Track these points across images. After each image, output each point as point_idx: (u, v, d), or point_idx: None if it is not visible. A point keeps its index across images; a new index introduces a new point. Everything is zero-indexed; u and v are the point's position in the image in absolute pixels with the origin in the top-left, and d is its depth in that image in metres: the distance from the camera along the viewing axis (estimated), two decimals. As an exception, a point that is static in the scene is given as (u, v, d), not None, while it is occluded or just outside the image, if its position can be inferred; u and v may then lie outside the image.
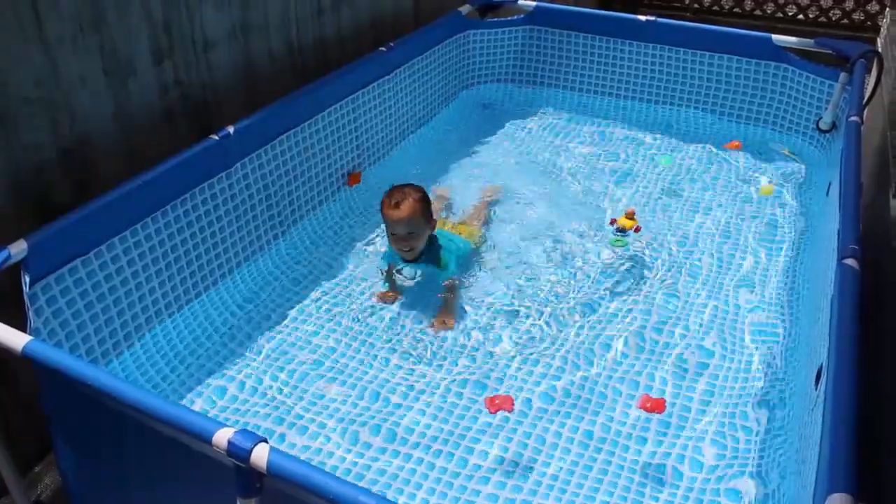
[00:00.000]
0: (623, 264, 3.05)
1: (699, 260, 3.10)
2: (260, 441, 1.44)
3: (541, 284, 2.94)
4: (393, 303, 2.82)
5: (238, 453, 1.43)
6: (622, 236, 3.25)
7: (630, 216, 3.33)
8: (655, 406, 2.38)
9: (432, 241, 2.88)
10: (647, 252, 3.14)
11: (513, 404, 2.39)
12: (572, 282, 2.95)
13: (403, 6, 4.08)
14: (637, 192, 3.61)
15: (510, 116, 4.37)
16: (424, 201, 2.78)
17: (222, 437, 1.46)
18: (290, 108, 3.01)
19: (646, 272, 3.01)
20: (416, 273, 2.94)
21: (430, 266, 2.89)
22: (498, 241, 3.19)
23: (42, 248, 2.06)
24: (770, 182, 3.69)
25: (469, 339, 2.66)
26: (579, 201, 3.54)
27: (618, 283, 2.95)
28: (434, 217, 2.86)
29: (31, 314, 2.06)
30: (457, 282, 2.88)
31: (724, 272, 3.03)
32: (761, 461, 2.18)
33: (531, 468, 2.18)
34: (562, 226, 3.31)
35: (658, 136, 4.15)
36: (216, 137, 2.64)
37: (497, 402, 2.39)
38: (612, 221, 3.34)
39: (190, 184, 2.58)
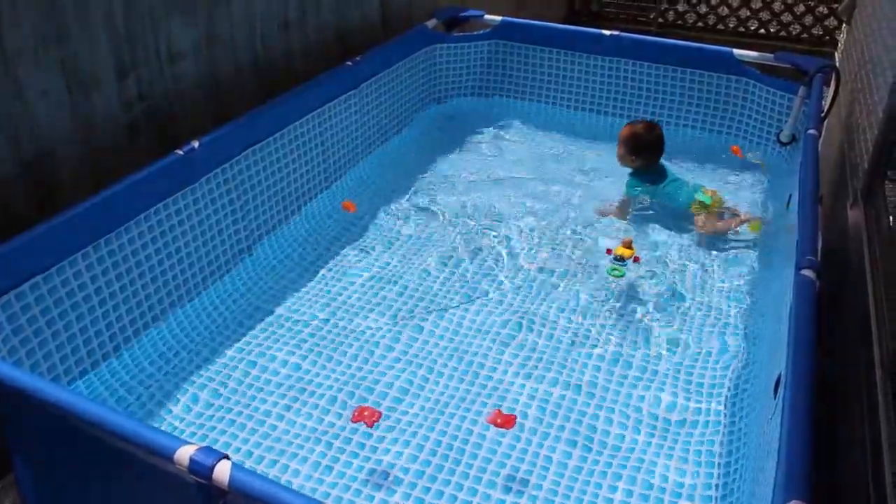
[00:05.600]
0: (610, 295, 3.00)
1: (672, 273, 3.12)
2: (222, 458, 1.43)
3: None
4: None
5: (200, 470, 1.43)
6: (620, 265, 3.11)
7: (627, 245, 3.18)
8: (505, 422, 2.36)
9: (649, 173, 3.59)
10: (638, 280, 3.08)
11: (378, 419, 2.36)
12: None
13: (370, 20, 4.10)
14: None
15: (477, 130, 4.39)
16: (631, 138, 3.57)
17: (184, 454, 1.45)
18: (255, 122, 3.00)
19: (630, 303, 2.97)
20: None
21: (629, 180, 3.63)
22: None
23: (2, 264, 2.04)
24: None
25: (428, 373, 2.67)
26: (561, 218, 3.53)
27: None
28: (636, 161, 3.59)
29: (-10, 332, 2.04)
30: (626, 200, 3.57)
31: (689, 280, 3.08)
32: (722, 468, 2.21)
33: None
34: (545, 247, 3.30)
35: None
36: (181, 152, 2.63)
37: (366, 413, 2.38)
38: (609, 251, 3.20)
39: (154, 199, 2.56)
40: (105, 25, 2.50)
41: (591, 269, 3.14)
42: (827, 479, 2.05)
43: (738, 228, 3.40)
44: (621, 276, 3.07)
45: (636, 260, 3.14)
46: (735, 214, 3.48)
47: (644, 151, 3.59)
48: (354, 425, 2.36)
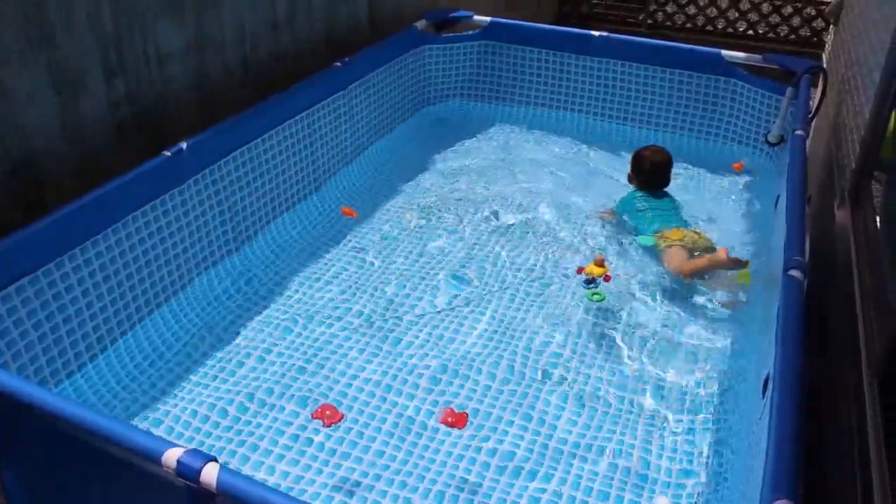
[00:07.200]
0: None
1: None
2: (210, 460, 1.43)
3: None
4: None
5: (187, 473, 1.42)
6: (593, 287, 2.98)
7: (599, 263, 3.04)
8: (457, 421, 2.36)
9: (645, 196, 3.50)
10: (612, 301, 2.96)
11: (339, 421, 2.35)
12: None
13: (359, 21, 4.10)
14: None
15: (466, 131, 4.40)
16: (634, 158, 3.61)
17: (171, 456, 1.45)
18: (244, 123, 3.00)
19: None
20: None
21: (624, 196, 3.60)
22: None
23: (-12, 266, 2.03)
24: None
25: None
26: (549, 224, 3.51)
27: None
28: (634, 181, 3.59)
29: (-25, 335, 2.02)
30: (615, 210, 3.55)
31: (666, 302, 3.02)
32: (714, 468, 2.22)
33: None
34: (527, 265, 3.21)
35: (611, 152, 4.19)
36: (168, 153, 2.62)
37: (328, 412, 2.37)
38: (580, 270, 3.06)
39: (142, 200, 2.55)
40: (92, 26, 2.48)
41: (571, 284, 3.07)
42: (815, 479, 2.06)
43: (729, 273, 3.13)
44: (602, 299, 2.93)
45: (607, 279, 3.01)
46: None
47: (642, 174, 3.55)
48: (320, 422, 2.35)
